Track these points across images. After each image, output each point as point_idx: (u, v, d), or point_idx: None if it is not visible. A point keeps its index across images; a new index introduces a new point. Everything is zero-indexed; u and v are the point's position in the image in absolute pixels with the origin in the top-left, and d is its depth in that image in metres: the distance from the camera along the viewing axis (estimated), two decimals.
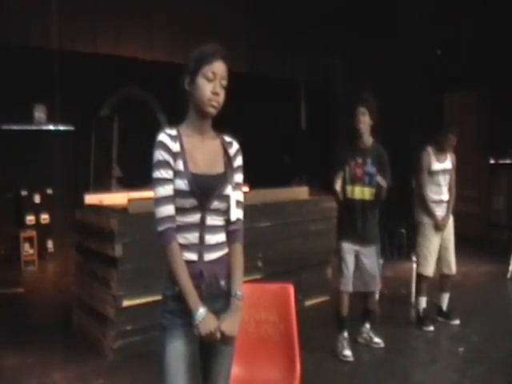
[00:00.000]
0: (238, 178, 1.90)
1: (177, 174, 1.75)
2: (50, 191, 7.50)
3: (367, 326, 4.11)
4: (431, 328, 4.36)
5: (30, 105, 7.64)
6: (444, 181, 4.43)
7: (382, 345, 4.01)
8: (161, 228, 1.74)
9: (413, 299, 5.09)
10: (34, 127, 7.74)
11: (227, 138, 1.92)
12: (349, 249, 3.81)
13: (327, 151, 9.05)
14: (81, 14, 6.38)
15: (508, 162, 8.93)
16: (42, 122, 7.78)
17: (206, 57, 1.78)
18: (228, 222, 1.86)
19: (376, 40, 7.89)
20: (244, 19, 7.87)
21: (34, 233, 7.11)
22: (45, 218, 7.43)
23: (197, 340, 1.75)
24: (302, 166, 9.49)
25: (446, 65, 8.47)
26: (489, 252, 7.19)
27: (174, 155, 1.76)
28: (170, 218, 1.74)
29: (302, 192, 5.41)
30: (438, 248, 4.43)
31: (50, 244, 7.49)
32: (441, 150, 4.42)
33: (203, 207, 1.77)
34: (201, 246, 1.78)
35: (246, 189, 5.32)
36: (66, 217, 6.49)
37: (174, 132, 1.80)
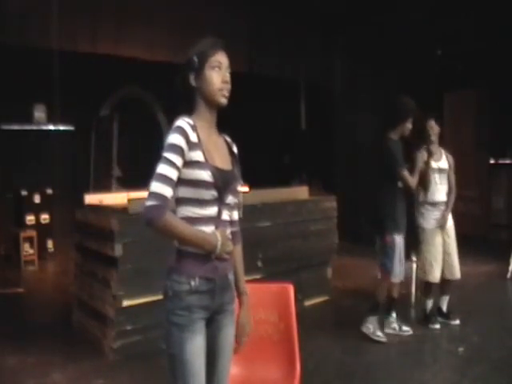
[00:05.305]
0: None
1: (195, 164, 1.69)
2: (49, 191, 7.51)
3: (394, 315, 4.23)
4: (437, 326, 4.37)
5: (30, 105, 7.65)
6: (439, 179, 4.32)
7: (411, 332, 4.19)
8: (152, 202, 1.60)
9: (413, 299, 5.09)
10: (34, 127, 7.75)
11: (227, 138, 1.94)
12: (399, 241, 4.02)
13: (327, 151, 9.13)
14: (81, 14, 6.39)
15: (508, 161, 8.93)
16: (42, 122, 7.79)
17: (210, 48, 1.79)
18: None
19: (376, 40, 7.89)
20: (244, 19, 7.87)
21: (34, 233, 7.12)
22: (45, 218, 7.43)
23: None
24: (302, 166, 9.48)
25: (446, 65, 8.47)
26: (489, 252, 7.17)
27: (191, 145, 1.69)
28: (164, 197, 1.61)
29: (302, 192, 5.41)
30: (442, 252, 4.34)
31: (50, 244, 7.50)
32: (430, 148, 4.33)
33: (221, 200, 1.75)
34: None
35: (245, 189, 5.32)
36: (66, 217, 6.50)
37: (192, 122, 1.73)
